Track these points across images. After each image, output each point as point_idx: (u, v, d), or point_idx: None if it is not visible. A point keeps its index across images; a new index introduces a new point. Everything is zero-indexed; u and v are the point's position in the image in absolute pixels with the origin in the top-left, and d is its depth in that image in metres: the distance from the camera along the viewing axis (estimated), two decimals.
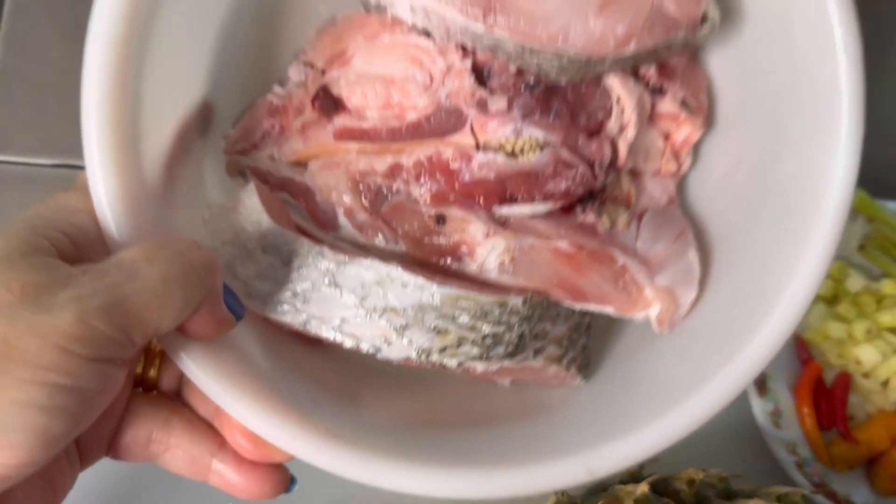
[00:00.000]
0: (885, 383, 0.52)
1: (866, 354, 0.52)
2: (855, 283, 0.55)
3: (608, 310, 0.42)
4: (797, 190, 0.40)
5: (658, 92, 0.44)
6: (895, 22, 0.64)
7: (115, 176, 0.34)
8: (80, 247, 0.33)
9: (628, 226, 0.44)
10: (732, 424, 0.54)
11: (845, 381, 0.52)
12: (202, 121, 0.42)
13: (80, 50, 0.34)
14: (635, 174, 0.46)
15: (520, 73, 0.43)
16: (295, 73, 0.44)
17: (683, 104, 0.44)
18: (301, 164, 0.44)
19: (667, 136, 0.46)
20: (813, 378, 0.52)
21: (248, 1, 0.43)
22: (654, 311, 0.42)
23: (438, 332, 0.39)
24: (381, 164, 0.43)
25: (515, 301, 0.40)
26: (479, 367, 0.40)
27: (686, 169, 0.47)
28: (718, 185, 0.46)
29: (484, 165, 0.42)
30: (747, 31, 0.43)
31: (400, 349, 0.39)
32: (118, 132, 0.34)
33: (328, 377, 0.42)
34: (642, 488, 0.38)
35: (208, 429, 0.37)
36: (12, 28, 0.63)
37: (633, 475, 0.43)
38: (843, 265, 0.56)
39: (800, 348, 0.54)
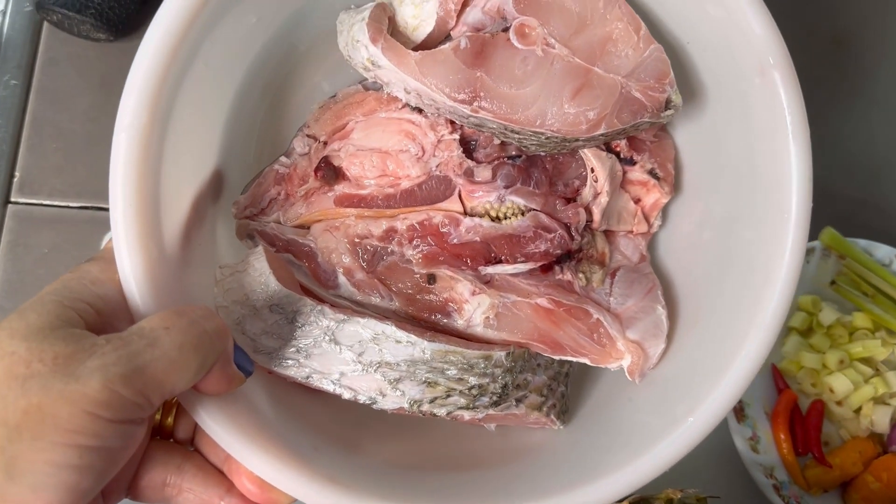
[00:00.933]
0: (858, 411, 0.56)
1: (838, 383, 0.55)
2: (828, 316, 0.59)
3: (584, 361, 0.47)
4: (754, 253, 0.44)
5: (629, 162, 0.49)
6: (865, 67, 0.68)
7: (138, 250, 0.38)
8: (104, 315, 0.37)
9: (602, 283, 0.49)
10: (713, 449, 0.58)
11: (819, 408, 0.56)
12: (214, 188, 0.47)
13: (105, 101, 0.39)
14: (609, 234, 0.51)
15: (503, 145, 0.48)
16: (299, 145, 0.49)
17: (651, 173, 0.49)
18: (304, 228, 0.48)
19: (637, 201, 0.50)
20: (789, 406, 0.55)
21: (257, 79, 0.48)
22: (625, 363, 0.46)
23: (429, 384, 0.43)
24: (377, 228, 0.47)
25: (499, 355, 0.44)
26: (467, 415, 0.44)
27: (656, 229, 0.51)
28: (685, 244, 0.50)
29: (471, 229, 0.47)
30: (709, 111, 0.47)
31: (393, 400, 0.43)
32: (141, 209, 0.39)
33: (328, 424, 0.45)
34: None
35: (218, 474, 0.41)
36: (43, 80, 0.68)
37: None
38: (817, 299, 0.60)
39: (776, 377, 0.58)
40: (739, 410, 0.55)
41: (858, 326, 0.58)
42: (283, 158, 0.49)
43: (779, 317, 0.41)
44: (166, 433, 0.42)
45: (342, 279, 0.47)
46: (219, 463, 0.42)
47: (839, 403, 0.57)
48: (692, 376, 0.44)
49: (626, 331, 0.47)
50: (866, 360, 0.58)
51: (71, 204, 0.66)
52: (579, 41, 0.43)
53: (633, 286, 0.49)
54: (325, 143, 0.49)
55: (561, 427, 0.47)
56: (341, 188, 0.48)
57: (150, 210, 0.39)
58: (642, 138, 0.49)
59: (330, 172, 0.48)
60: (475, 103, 0.43)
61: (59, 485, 0.30)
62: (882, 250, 0.61)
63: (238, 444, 0.39)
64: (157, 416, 0.43)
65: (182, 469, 0.41)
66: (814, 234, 0.58)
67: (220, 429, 0.38)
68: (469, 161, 0.47)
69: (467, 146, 0.48)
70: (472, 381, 0.44)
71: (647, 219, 0.50)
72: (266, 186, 0.48)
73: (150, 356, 0.32)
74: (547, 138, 0.44)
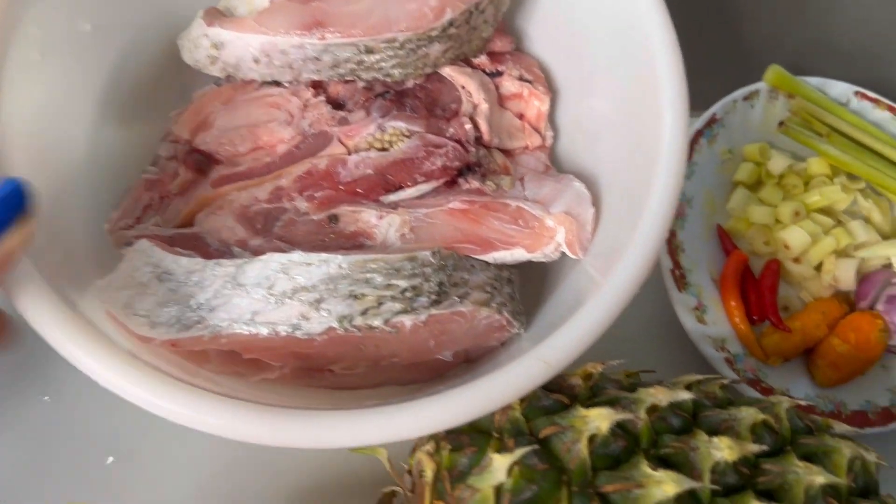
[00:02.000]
0: (819, 268, 0.50)
1: (794, 237, 0.50)
2: (778, 163, 0.53)
3: (520, 253, 0.42)
4: (639, 133, 0.42)
5: (496, 74, 0.49)
6: None
7: None
8: None
9: (513, 186, 0.46)
10: (662, 326, 0.51)
11: (774, 268, 0.50)
12: None
13: None
14: (508, 154, 0.49)
15: (369, 88, 0.47)
16: (164, 150, 0.46)
17: (522, 79, 0.49)
18: (188, 225, 0.45)
19: (521, 116, 0.50)
20: (737, 268, 0.50)
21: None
22: (560, 236, 0.42)
23: (355, 297, 0.38)
24: (262, 192, 0.44)
25: (424, 254, 0.40)
26: (408, 320, 0.38)
27: (551, 141, 0.50)
28: (580, 147, 0.49)
29: (360, 164, 0.44)
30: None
31: (319, 321, 0.37)
32: None
33: None
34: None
35: None
36: None
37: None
38: (765, 146, 0.54)
39: (723, 239, 0.52)
40: (680, 278, 0.49)
41: (815, 173, 0.53)
42: (149, 167, 0.46)
43: (670, 186, 0.38)
44: None
45: (238, 251, 0.43)
46: None
47: (797, 261, 0.51)
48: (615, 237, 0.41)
49: (550, 208, 0.43)
50: (826, 211, 0.53)
51: None
52: None
53: (545, 180, 0.46)
54: (189, 142, 0.46)
55: (521, 330, 0.42)
56: (216, 172, 0.45)
57: None
58: (499, 50, 0.49)
59: (199, 158, 0.45)
60: (320, 31, 0.43)
61: None
62: (838, 88, 0.56)
63: None
64: None
65: None
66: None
67: None
68: (340, 112, 0.46)
69: (336, 105, 0.47)
70: (402, 283, 0.39)
71: (537, 131, 0.49)
72: (137, 195, 0.45)
73: None
74: (401, 45, 0.44)
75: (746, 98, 0.54)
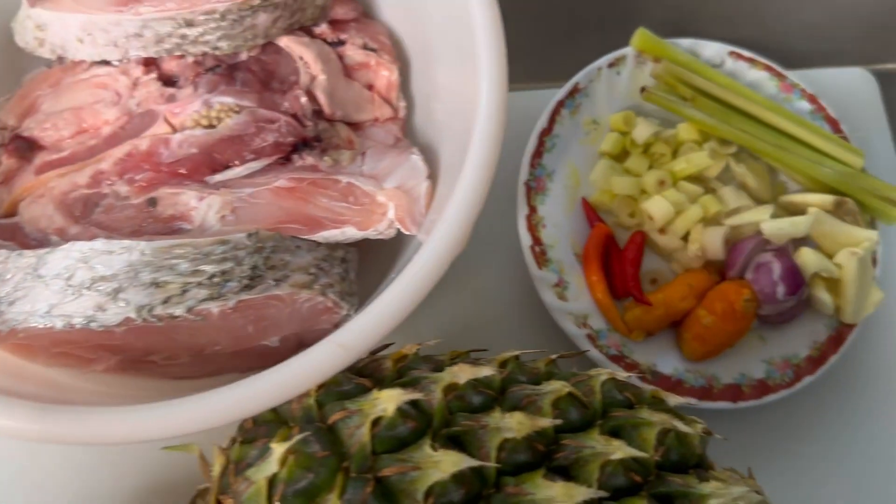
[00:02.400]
0: (687, 238, 0.48)
1: (655, 207, 0.47)
2: (642, 131, 0.50)
3: (351, 231, 0.40)
4: (465, 104, 0.40)
5: (338, 44, 0.47)
6: None
7: None
8: None
9: (352, 161, 0.44)
10: (525, 306, 0.50)
11: (638, 240, 0.48)
12: None
13: None
14: (356, 127, 0.47)
15: (199, 62, 0.45)
16: None
17: (366, 47, 0.47)
18: (12, 215, 0.43)
19: (370, 87, 0.48)
20: (599, 242, 0.47)
21: None
22: (392, 212, 0.40)
23: (158, 285, 0.36)
24: (83, 177, 0.42)
25: (239, 237, 0.38)
26: (215, 307, 0.36)
27: (404, 112, 0.48)
28: (426, 118, 0.47)
29: (184, 143, 0.42)
30: None
31: (116, 312, 0.35)
32: None
33: None
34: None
35: None
36: None
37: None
38: (630, 115, 0.51)
39: (587, 212, 0.50)
40: (541, 254, 0.47)
41: (684, 140, 0.50)
42: None
43: (482, 158, 0.36)
44: None
45: (55, 239, 0.41)
46: None
47: (662, 232, 0.48)
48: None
49: (384, 183, 0.42)
50: (697, 179, 0.50)
51: None
52: None
53: (387, 154, 0.44)
54: (14, 128, 0.45)
55: (351, 312, 0.40)
56: (40, 158, 0.43)
57: None
58: (342, 17, 0.47)
59: (23, 145, 0.43)
60: (135, 6, 0.41)
61: None
62: (711, 49, 0.53)
63: None
64: None
65: None
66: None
67: None
68: (170, 89, 0.44)
69: (170, 82, 0.45)
70: (211, 269, 0.37)
71: (388, 102, 0.47)
72: None
73: None
74: (222, 17, 0.42)
75: (612, 65, 0.51)
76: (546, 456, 0.31)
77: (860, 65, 0.58)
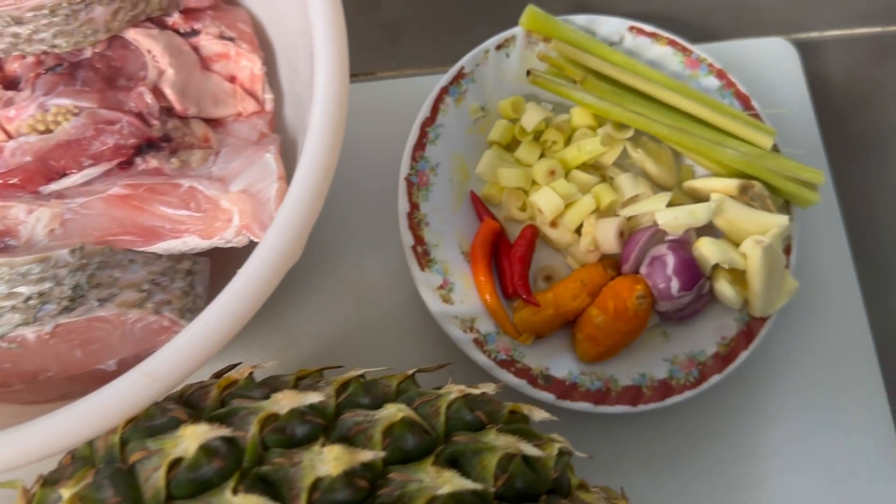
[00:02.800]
0: (580, 231, 0.45)
1: (543, 200, 0.44)
2: (531, 117, 0.46)
3: (193, 241, 0.37)
4: (307, 91, 0.37)
5: (192, 34, 0.43)
6: None
7: None
8: None
9: (204, 161, 0.41)
10: (410, 310, 0.46)
11: (529, 235, 0.44)
12: None
13: None
14: (216, 123, 0.43)
15: (40, 62, 0.41)
16: None
17: (223, 36, 0.43)
18: None
19: (233, 79, 0.44)
20: (487, 239, 0.44)
21: None
22: (237, 219, 0.37)
23: None
24: None
25: (60, 253, 0.35)
26: (30, 333, 0.33)
27: (271, 105, 0.44)
28: (293, 110, 0.44)
29: (17, 151, 0.39)
30: None
31: None
32: None
33: None
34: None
35: None
36: None
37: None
38: (519, 100, 0.47)
39: (476, 207, 0.46)
40: (423, 255, 0.43)
41: (577, 125, 0.46)
42: None
43: (316, 164, 0.32)
44: None
45: None
46: None
47: (553, 225, 0.45)
48: None
49: (230, 186, 0.38)
50: (595, 167, 0.47)
51: None
52: None
53: (242, 152, 0.41)
54: None
55: None
56: None
57: None
58: (196, 5, 0.43)
59: None
60: None
61: None
62: (609, 25, 0.48)
63: None
64: None
65: None
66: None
67: None
68: (9, 92, 0.41)
69: (12, 84, 0.41)
70: (27, 290, 0.34)
71: (252, 95, 0.44)
72: None
73: None
74: (52, 12, 0.38)
75: (500, 46, 0.47)
76: (370, 493, 0.28)
77: (780, 34, 0.55)
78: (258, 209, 0.37)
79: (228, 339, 0.31)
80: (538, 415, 0.33)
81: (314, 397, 0.30)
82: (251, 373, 0.33)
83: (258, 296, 0.31)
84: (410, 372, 0.34)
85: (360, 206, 0.47)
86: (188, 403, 0.32)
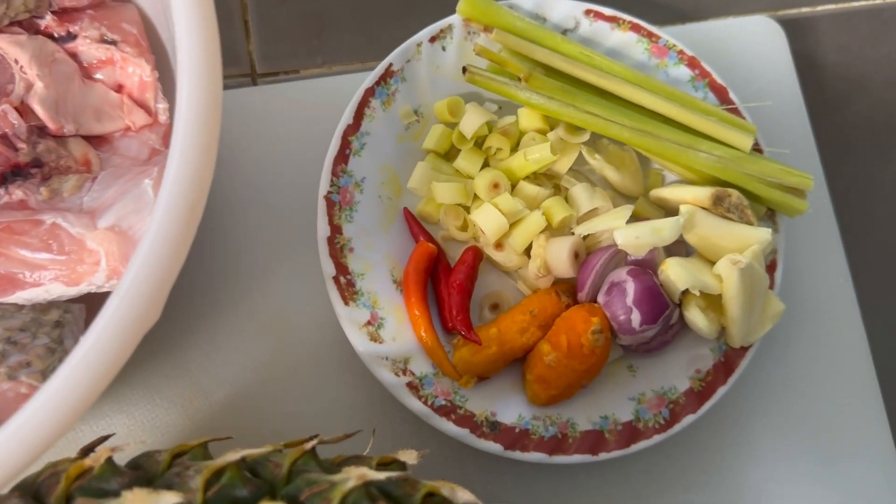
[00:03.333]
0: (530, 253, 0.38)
1: (483, 219, 0.38)
2: (472, 121, 0.39)
3: (58, 289, 0.31)
4: None
5: (68, 38, 0.37)
6: None
7: None
8: None
9: (79, 189, 0.35)
10: (335, 346, 0.40)
11: (468, 260, 0.38)
12: None
13: None
14: (101, 140, 0.37)
15: None
16: None
17: (104, 40, 0.37)
18: None
19: (120, 88, 0.38)
20: (421, 265, 0.38)
21: None
22: (105, 262, 0.31)
23: None
24: None
25: None
26: None
27: (165, 117, 0.38)
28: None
29: None
30: None
31: None
32: None
33: None
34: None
35: None
36: None
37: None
38: (457, 101, 0.40)
39: (411, 227, 0.40)
40: (347, 286, 0.38)
41: (526, 129, 0.40)
42: None
43: (176, 200, 0.26)
44: None
45: None
46: None
47: (498, 247, 0.39)
48: None
49: (98, 221, 0.32)
50: (547, 177, 0.40)
51: None
52: None
53: (124, 175, 0.35)
54: None
55: None
56: None
57: None
58: (73, 5, 0.37)
59: None
60: None
61: None
62: (561, 9, 0.41)
63: None
64: None
65: None
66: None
67: None
68: None
69: None
70: None
71: (143, 105, 0.38)
72: None
73: None
74: None
75: (435, 38, 0.41)
76: None
77: (764, 11, 0.48)
78: (128, 250, 0.31)
79: (67, 427, 0.25)
80: (462, 496, 0.28)
81: (170, 499, 0.24)
82: (110, 457, 0.27)
83: (103, 372, 0.25)
84: (309, 445, 0.29)
85: (280, 229, 0.41)
86: (37, 496, 0.27)
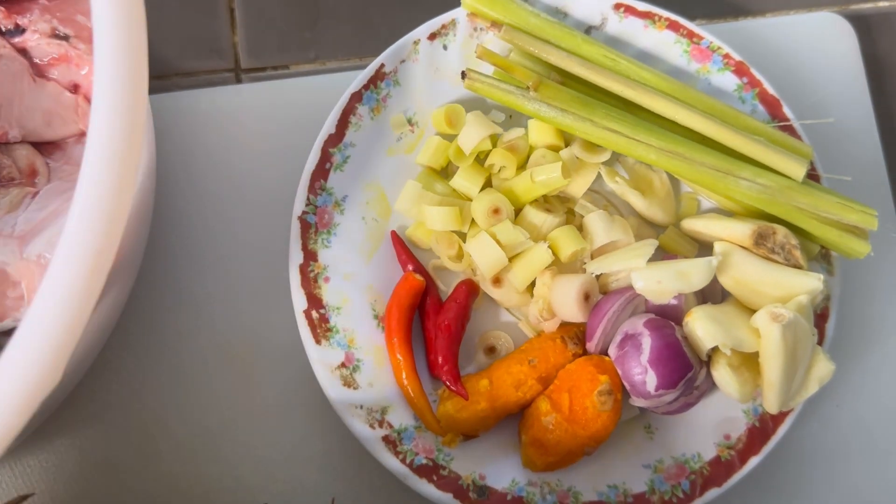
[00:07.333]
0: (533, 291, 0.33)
1: (479, 250, 0.32)
2: (472, 134, 0.34)
3: None
4: None
5: (15, 33, 0.33)
6: None
7: None
8: None
9: (18, 205, 0.31)
10: (306, 389, 0.35)
11: (460, 297, 0.33)
12: None
13: None
14: (49, 148, 0.33)
15: None
16: None
17: (56, 34, 0.33)
18: None
19: (75, 88, 0.34)
20: (406, 301, 0.33)
21: None
22: (27, 296, 0.27)
23: None
24: None
25: None
26: None
27: None
28: None
29: None
30: None
31: None
32: None
33: None
34: None
35: None
36: None
37: None
38: (455, 109, 0.35)
39: (399, 253, 0.35)
40: (321, 322, 0.33)
41: (536, 145, 0.35)
42: None
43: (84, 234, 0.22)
44: None
45: None
46: None
47: (496, 283, 0.33)
48: None
49: (26, 248, 0.28)
50: (561, 200, 0.35)
51: None
52: None
53: (63, 192, 0.31)
54: None
55: None
56: None
57: None
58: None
59: None
60: None
61: None
62: (585, 3, 0.35)
63: None
64: None
65: None
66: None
67: None
68: None
69: None
70: None
71: None
72: None
73: None
74: None
75: (435, 35, 0.35)
76: None
77: (831, 7, 0.41)
78: (41, 273, 0.27)
79: None
80: None
81: None
82: None
83: None
84: None
85: (251, 250, 0.36)
86: None
